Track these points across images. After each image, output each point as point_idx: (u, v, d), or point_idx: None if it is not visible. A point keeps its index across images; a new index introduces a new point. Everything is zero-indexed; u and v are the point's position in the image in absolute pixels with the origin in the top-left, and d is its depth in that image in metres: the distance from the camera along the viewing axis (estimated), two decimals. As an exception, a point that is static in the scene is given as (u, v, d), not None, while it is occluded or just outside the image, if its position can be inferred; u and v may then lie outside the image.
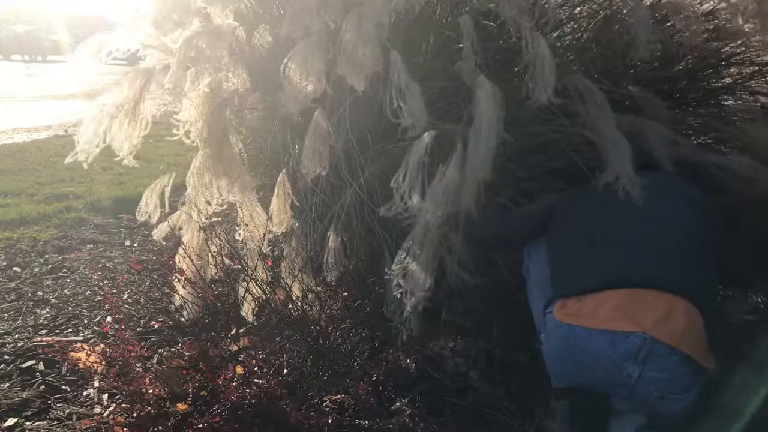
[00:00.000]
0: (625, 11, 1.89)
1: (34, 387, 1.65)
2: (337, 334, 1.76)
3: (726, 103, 2.37)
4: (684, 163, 1.73)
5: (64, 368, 1.72)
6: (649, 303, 1.32)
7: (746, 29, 1.93)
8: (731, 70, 2.33)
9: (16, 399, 1.57)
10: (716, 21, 2.03)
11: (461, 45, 1.68)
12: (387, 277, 1.58)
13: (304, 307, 1.74)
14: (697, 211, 1.52)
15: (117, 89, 1.76)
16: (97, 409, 1.56)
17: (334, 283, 1.84)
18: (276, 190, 1.83)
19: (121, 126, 1.75)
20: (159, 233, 1.98)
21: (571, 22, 2.25)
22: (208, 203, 1.87)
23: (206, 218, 1.87)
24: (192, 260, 1.85)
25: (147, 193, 1.98)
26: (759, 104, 2.26)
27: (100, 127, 1.73)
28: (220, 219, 1.95)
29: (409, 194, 1.43)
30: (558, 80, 1.54)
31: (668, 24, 2.00)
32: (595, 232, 1.50)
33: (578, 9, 2.22)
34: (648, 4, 2.02)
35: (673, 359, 1.26)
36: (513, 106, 1.60)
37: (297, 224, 1.90)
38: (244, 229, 1.89)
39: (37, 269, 2.51)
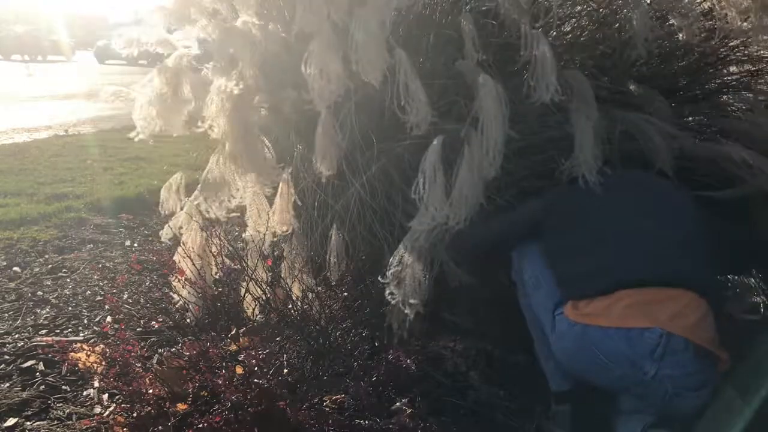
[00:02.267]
0: (624, 9, 1.88)
1: (34, 387, 1.65)
2: (337, 334, 1.75)
3: (727, 102, 2.36)
4: (688, 156, 1.72)
5: (64, 368, 1.72)
6: (662, 299, 1.32)
7: (744, 27, 1.92)
8: (731, 68, 2.32)
9: (16, 399, 1.57)
10: (714, 19, 2.02)
11: (462, 43, 1.68)
12: (380, 286, 1.58)
13: (304, 307, 1.74)
14: (697, 208, 1.52)
15: (153, 83, 1.78)
16: (97, 409, 1.56)
17: (334, 283, 1.84)
18: (279, 189, 1.83)
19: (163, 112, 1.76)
20: (166, 234, 1.99)
21: (572, 20, 2.24)
22: (229, 200, 1.87)
23: (219, 216, 1.87)
24: (192, 260, 1.85)
25: (164, 191, 1.99)
26: (762, 101, 2.25)
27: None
28: (224, 219, 1.94)
29: (432, 201, 1.44)
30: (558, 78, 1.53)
31: (668, 23, 2.00)
32: (599, 231, 1.49)
33: (578, 7, 2.22)
34: (647, 2, 2.01)
35: (689, 354, 1.26)
36: (514, 104, 1.60)
37: (298, 224, 1.90)
38: (251, 228, 1.89)
39: (37, 269, 2.51)
